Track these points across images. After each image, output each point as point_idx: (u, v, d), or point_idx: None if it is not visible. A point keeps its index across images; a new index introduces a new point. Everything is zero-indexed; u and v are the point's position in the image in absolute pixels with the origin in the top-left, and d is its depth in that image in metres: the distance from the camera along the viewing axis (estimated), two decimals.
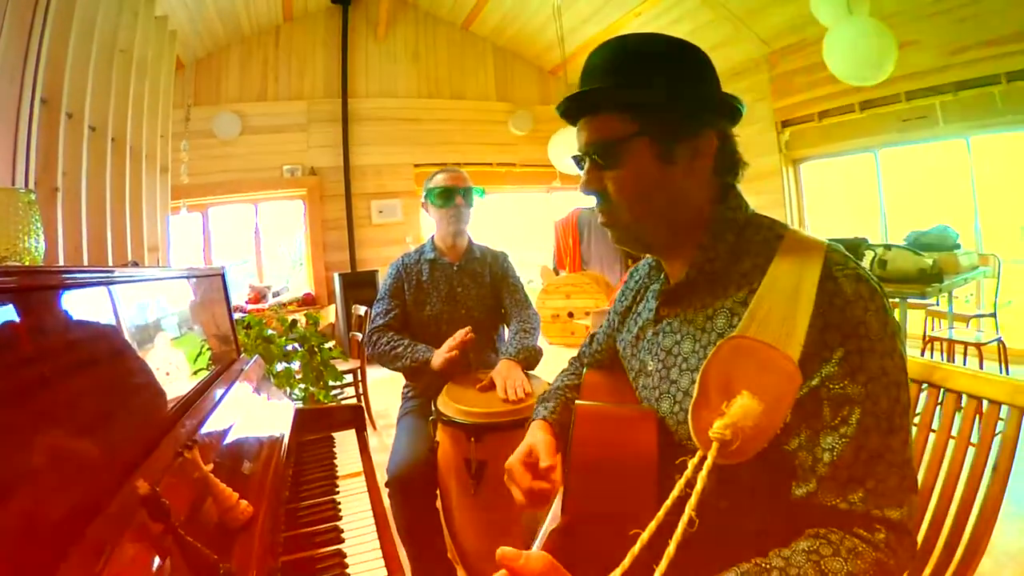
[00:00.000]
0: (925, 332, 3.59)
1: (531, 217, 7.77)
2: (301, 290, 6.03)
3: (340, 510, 1.02)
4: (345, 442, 1.39)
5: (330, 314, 5.66)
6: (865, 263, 2.66)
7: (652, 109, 0.70)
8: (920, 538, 0.87)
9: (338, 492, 1.10)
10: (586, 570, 0.70)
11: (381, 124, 6.26)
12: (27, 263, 0.57)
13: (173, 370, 0.92)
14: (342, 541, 0.90)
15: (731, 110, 0.74)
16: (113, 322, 0.73)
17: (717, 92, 0.74)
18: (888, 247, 2.75)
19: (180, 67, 5.52)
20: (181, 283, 1.14)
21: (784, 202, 5.47)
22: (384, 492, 1.26)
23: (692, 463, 0.62)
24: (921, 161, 4.77)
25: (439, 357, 1.65)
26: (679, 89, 0.71)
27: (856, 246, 2.77)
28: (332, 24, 6.12)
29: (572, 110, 0.76)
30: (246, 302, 5.74)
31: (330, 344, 2.37)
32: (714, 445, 0.60)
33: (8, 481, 0.44)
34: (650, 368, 0.80)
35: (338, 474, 1.19)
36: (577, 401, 0.80)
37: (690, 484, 0.60)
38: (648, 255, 0.90)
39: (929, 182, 4.79)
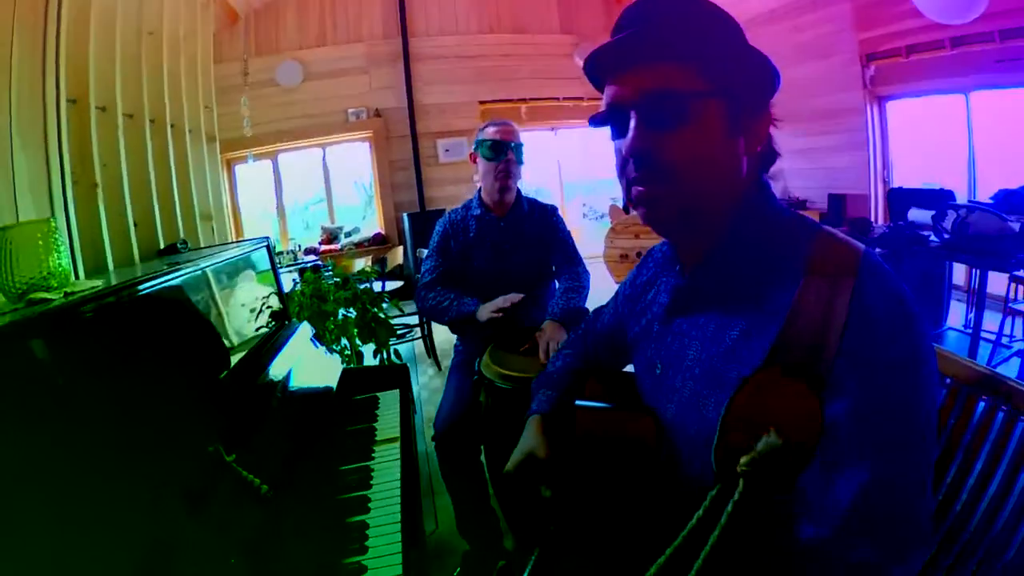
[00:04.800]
0: (1007, 301, 3.14)
1: (601, 152, 7.47)
2: (372, 230, 6.21)
3: (372, 478, 1.08)
4: (389, 403, 1.45)
5: (398, 255, 5.83)
6: (947, 223, 2.41)
7: (723, 69, 0.62)
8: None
9: (373, 458, 1.16)
10: (585, 572, 0.72)
11: (443, 62, 6.12)
12: (54, 284, 0.61)
13: (225, 339, 1.00)
14: (368, 511, 0.97)
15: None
16: (165, 313, 0.80)
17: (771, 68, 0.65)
18: (971, 209, 2.45)
19: (235, 20, 5.58)
20: (227, 261, 1.21)
21: (867, 141, 4.89)
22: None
23: (711, 495, 0.59)
24: (1017, 108, 4.07)
25: (485, 311, 1.67)
26: (748, 54, 0.63)
27: (939, 199, 2.51)
28: None
29: (614, 55, 0.65)
30: (319, 243, 6.02)
31: (385, 302, 2.45)
32: (741, 482, 0.56)
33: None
34: (657, 370, 0.76)
35: (376, 438, 1.26)
36: (577, 401, 0.79)
37: (708, 514, 0.57)
38: (669, 239, 0.80)
39: None
